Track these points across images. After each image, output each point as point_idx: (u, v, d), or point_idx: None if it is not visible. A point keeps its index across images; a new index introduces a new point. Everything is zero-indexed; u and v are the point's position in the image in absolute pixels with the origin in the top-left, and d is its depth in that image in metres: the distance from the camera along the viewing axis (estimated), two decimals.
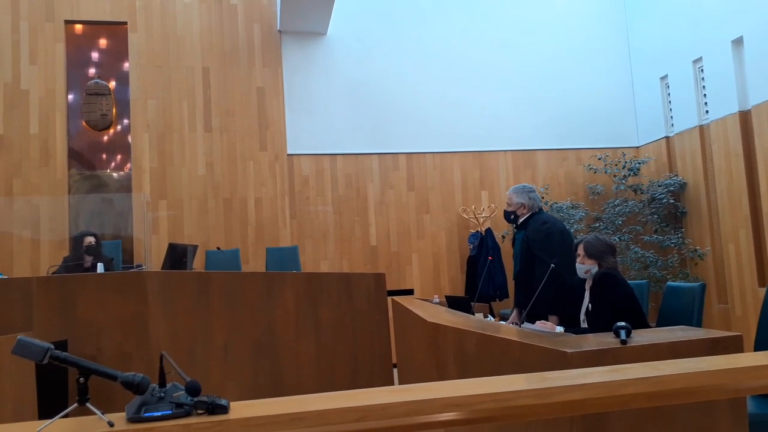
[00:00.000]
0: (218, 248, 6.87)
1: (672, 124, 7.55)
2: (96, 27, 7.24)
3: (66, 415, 1.24)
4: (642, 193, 7.50)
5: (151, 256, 6.77)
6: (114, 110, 7.13)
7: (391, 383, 4.58)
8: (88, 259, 5.12)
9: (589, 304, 3.14)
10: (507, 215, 4.08)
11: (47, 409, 3.43)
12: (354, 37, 7.73)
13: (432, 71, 7.83)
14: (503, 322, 3.63)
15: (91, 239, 5.18)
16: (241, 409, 1.25)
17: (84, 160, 7.07)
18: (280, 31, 7.58)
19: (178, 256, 5.10)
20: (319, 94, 7.57)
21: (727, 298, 6.60)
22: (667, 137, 7.60)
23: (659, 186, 7.28)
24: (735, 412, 1.83)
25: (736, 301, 6.46)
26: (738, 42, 6.42)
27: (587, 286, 3.23)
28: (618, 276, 3.03)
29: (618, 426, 1.78)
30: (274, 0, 7.57)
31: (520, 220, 3.99)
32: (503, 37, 8.05)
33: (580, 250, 3.19)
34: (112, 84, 7.18)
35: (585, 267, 3.15)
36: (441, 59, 7.87)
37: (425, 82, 7.80)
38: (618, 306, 2.85)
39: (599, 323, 2.88)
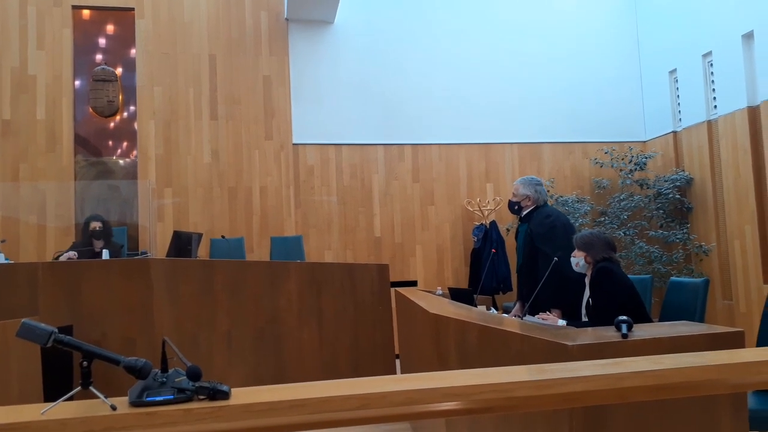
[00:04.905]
0: (223, 236, 6.89)
1: (680, 119, 7.49)
2: (103, 13, 7.24)
3: (70, 398, 1.26)
4: (648, 188, 7.47)
5: (156, 243, 6.81)
6: (120, 97, 7.14)
7: (394, 373, 4.60)
8: (98, 244, 5.11)
9: (590, 299, 3.16)
10: (511, 205, 4.07)
11: (52, 392, 3.46)
12: (361, 27, 7.70)
13: (439, 62, 7.79)
14: (506, 315, 3.63)
15: (97, 224, 5.18)
16: (242, 395, 1.25)
17: (90, 147, 7.09)
18: (287, 20, 7.55)
19: (183, 244, 5.12)
20: (326, 84, 7.55)
21: (732, 294, 6.59)
22: (674, 132, 7.55)
23: (665, 181, 7.25)
24: (735, 408, 1.83)
25: (741, 297, 6.45)
26: (748, 36, 6.36)
27: (586, 280, 3.24)
28: (615, 270, 3.03)
29: (618, 419, 1.78)
30: None
31: (524, 212, 3.98)
32: (511, 30, 7.99)
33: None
34: (119, 70, 7.18)
35: (575, 260, 3.23)
36: (448, 50, 7.83)
37: (432, 73, 7.77)
38: (617, 300, 2.86)
39: (598, 317, 2.89)
